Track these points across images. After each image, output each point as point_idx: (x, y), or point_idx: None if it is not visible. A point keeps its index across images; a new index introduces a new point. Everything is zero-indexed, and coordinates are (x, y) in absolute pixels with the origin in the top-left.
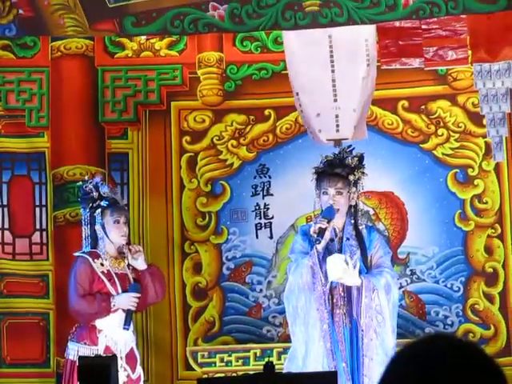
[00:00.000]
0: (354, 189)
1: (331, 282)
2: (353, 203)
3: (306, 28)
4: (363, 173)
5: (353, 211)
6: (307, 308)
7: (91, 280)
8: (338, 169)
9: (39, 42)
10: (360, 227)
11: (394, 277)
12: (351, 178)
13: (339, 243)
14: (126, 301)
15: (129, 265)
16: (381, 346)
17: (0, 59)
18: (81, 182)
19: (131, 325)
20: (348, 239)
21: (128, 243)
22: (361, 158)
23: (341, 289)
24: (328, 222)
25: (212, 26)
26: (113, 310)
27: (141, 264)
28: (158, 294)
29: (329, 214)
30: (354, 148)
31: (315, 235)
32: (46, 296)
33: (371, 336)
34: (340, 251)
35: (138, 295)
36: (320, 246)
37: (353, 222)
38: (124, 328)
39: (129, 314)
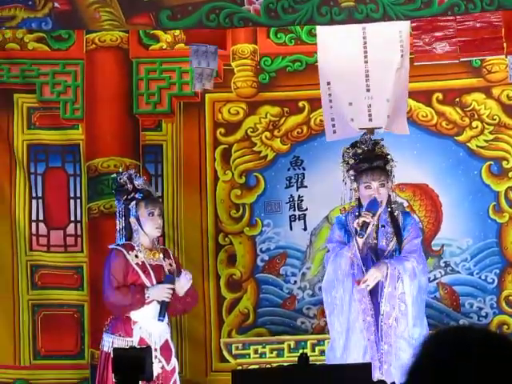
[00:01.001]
0: (390, 177)
1: None
2: (390, 192)
3: (341, 24)
4: (393, 160)
5: (388, 199)
6: (348, 299)
7: (125, 272)
8: (377, 161)
9: (74, 34)
10: (395, 213)
11: (421, 263)
12: (388, 167)
13: (375, 231)
14: (160, 292)
15: (164, 257)
16: (402, 333)
17: (35, 51)
18: (115, 174)
19: (166, 316)
20: (383, 226)
21: (163, 236)
22: (381, 143)
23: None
24: (372, 216)
25: (248, 21)
26: (147, 301)
27: (181, 292)
28: (186, 311)
29: (373, 207)
30: (370, 136)
31: (359, 228)
32: (81, 288)
33: (390, 323)
34: (376, 239)
35: (173, 286)
36: (361, 240)
37: (389, 209)
38: (159, 319)
39: (163, 306)
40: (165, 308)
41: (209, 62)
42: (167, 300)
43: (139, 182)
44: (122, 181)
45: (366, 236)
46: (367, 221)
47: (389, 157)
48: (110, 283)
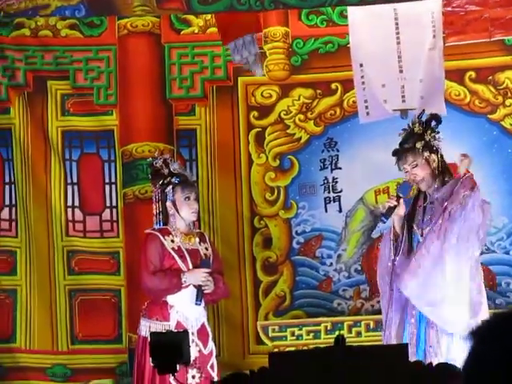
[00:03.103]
0: (426, 153)
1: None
2: (435, 165)
3: (372, 3)
4: (433, 132)
5: (437, 173)
6: (388, 281)
7: (162, 257)
8: (407, 143)
9: (106, 20)
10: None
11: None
12: (418, 145)
13: (423, 211)
14: (196, 277)
15: (200, 241)
16: None
17: (67, 38)
18: (150, 159)
19: (202, 300)
20: (432, 203)
21: (198, 220)
22: (429, 121)
23: None
24: (398, 200)
25: (278, 3)
26: (184, 286)
27: (209, 291)
28: (215, 301)
29: (402, 191)
30: (422, 114)
31: (384, 211)
32: (117, 273)
33: None
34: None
35: (209, 270)
36: (396, 222)
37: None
38: (196, 303)
39: (200, 290)
40: (201, 292)
41: (249, 50)
42: (204, 284)
43: (175, 167)
44: (157, 165)
45: (388, 221)
46: (391, 205)
47: (425, 133)
48: (147, 268)
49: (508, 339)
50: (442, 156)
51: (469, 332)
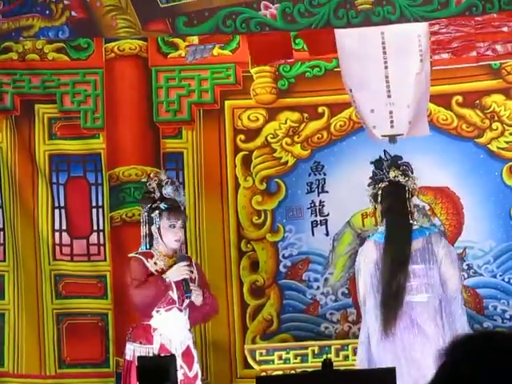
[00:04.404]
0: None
1: None
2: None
3: (358, 26)
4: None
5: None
6: None
7: (146, 277)
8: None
9: (93, 43)
10: None
11: None
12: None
13: None
14: (177, 272)
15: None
16: None
17: (54, 62)
18: (146, 179)
19: (192, 292)
20: None
21: (185, 243)
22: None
23: None
24: None
25: (264, 25)
26: (168, 283)
27: (198, 302)
28: (206, 319)
29: None
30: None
31: None
32: (105, 296)
33: None
34: None
35: (187, 263)
36: None
37: None
38: (186, 296)
39: (186, 283)
40: (187, 284)
41: (202, 54)
42: (187, 277)
43: (168, 191)
44: (150, 187)
45: None
46: None
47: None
48: (132, 285)
49: (468, 356)
50: (383, 209)
51: (440, 350)
